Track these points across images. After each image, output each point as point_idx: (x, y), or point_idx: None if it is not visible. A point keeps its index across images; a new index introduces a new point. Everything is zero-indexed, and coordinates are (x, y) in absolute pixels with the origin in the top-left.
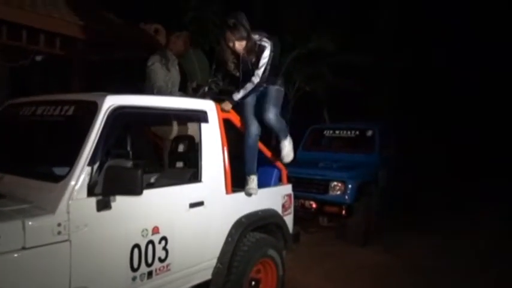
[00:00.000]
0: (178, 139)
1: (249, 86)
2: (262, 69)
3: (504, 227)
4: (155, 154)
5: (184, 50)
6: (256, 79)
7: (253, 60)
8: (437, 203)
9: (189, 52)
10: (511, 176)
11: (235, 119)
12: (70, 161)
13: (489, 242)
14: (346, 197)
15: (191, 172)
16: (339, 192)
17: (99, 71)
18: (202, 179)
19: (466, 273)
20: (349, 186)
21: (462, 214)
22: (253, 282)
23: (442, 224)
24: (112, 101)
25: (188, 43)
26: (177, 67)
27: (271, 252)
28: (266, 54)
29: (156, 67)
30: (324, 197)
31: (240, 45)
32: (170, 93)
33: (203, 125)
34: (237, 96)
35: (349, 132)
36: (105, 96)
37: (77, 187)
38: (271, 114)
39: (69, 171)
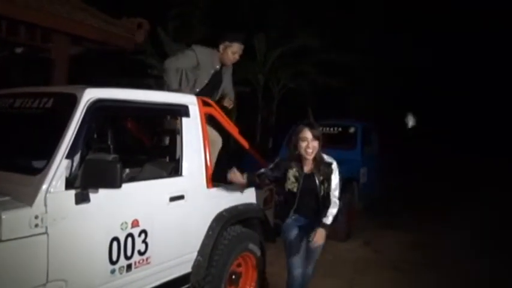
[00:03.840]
0: (160, 133)
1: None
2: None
3: (478, 226)
4: (137, 148)
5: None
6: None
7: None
8: (417, 201)
9: (173, 47)
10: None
11: (218, 114)
12: (48, 153)
13: (465, 239)
14: None
15: (172, 166)
16: None
17: (80, 65)
18: (183, 173)
19: (442, 268)
20: None
21: (441, 212)
22: (233, 276)
23: (421, 221)
24: (91, 94)
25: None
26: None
27: (252, 246)
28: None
29: (168, 69)
30: None
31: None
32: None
33: (184, 119)
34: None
35: (331, 129)
36: (84, 88)
37: (54, 180)
38: None
39: (47, 164)
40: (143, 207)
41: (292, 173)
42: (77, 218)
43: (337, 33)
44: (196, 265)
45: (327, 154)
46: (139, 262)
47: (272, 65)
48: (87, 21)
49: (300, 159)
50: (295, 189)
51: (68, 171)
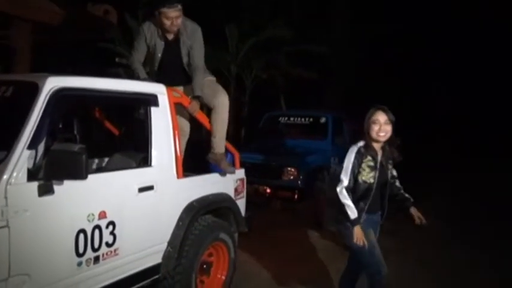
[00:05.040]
0: (129, 123)
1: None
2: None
3: (446, 215)
4: (105, 138)
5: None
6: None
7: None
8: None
9: None
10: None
11: (187, 103)
12: (8, 144)
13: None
14: (299, 182)
15: (141, 156)
16: (291, 178)
17: (45, 54)
18: (153, 163)
19: (417, 254)
20: (302, 171)
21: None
22: (204, 266)
23: (393, 207)
24: (54, 83)
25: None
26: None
27: (223, 235)
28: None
29: (132, 60)
30: (278, 182)
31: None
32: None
33: (153, 109)
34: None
35: (303, 119)
36: (46, 77)
37: (15, 171)
38: None
39: (7, 155)
40: (111, 199)
41: (366, 163)
42: (41, 210)
43: (309, 24)
44: (167, 256)
45: (299, 144)
46: (107, 254)
47: (244, 55)
48: (49, 7)
49: (372, 147)
50: (372, 180)
51: (31, 162)
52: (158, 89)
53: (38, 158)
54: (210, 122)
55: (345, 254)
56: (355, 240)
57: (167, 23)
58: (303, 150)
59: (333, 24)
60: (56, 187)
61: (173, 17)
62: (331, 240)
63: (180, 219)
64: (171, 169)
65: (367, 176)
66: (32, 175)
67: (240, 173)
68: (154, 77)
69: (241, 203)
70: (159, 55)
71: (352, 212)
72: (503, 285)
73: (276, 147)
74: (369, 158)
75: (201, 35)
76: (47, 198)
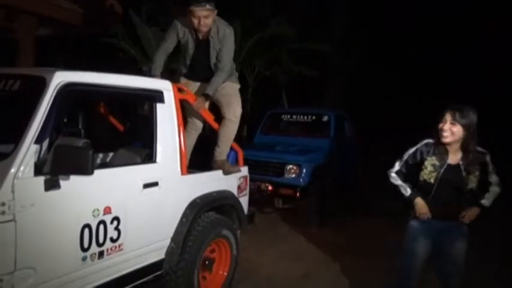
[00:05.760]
0: (134, 118)
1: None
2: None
3: None
4: (110, 133)
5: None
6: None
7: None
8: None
9: (146, 30)
10: None
11: (192, 101)
12: (15, 138)
13: None
14: (301, 180)
15: (146, 152)
16: (294, 175)
17: (49, 47)
18: (157, 159)
19: None
20: (304, 169)
21: None
22: (207, 262)
23: (394, 209)
24: (61, 77)
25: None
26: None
27: (226, 232)
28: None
29: (155, 54)
30: (280, 180)
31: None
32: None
33: (159, 105)
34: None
35: (305, 117)
36: (54, 72)
37: (22, 165)
38: None
39: (14, 149)
40: (116, 194)
41: (430, 161)
42: (47, 205)
43: (311, 23)
44: (170, 252)
45: (301, 142)
46: (111, 249)
47: (247, 53)
48: (54, 1)
49: (440, 147)
50: (432, 181)
51: (36, 156)
52: (164, 86)
53: (43, 152)
54: (218, 130)
55: (344, 251)
56: (417, 214)
57: (195, 21)
58: (305, 148)
59: (335, 22)
60: (62, 182)
61: (200, 16)
62: (332, 238)
63: (184, 215)
64: (175, 165)
65: (428, 175)
66: (38, 169)
67: (244, 170)
68: (185, 70)
69: (244, 201)
70: (191, 52)
71: (405, 190)
72: None
73: (278, 145)
74: (435, 157)
75: (232, 41)
76: (53, 193)
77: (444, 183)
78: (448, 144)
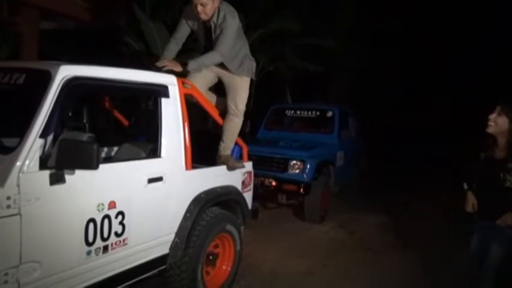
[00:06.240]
0: (139, 113)
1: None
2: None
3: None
4: (115, 127)
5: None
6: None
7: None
8: (391, 185)
9: (150, 25)
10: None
11: (198, 95)
12: (21, 132)
13: (438, 221)
14: (305, 175)
15: (151, 147)
16: (297, 171)
17: (53, 41)
18: (162, 154)
19: (415, 252)
20: (308, 165)
21: (414, 195)
22: (210, 257)
23: (396, 204)
24: (67, 71)
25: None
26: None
27: (230, 227)
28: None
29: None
30: (284, 175)
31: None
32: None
33: (163, 100)
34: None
35: (309, 113)
36: (59, 65)
37: (28, 159)
38: None
39: (20, 142)
40: (121, 189)
41: (481, 155)
42: (52, 199)
43: (315, 18)
44: (174, 247)
45: (305, 137)
46: (116, 243)
47: (251, 48)
48: None
49: (492, 140)
50: (477, 174)
51: (42, 150)
52: (169, 80)
53: (47, 146)
54: (223, 125)
55: (347, 248)
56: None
57: (195, 10)
58: (309, 143)
59: (339, 17)
60: (67, 176)
61: (197, 3)
62: (335, 235)
63: (188, 210)
64: (180, 160)
65: (476, 168)
66: (43, 164)
67: (248, 166)
68: None
69: (248, 196)
70: (201, 40)
71: (465, 185)
72: None
73: (282, 140)
74: (483, 155)
75: (230, 23)
76: (58, 187)
77: (484, 179)
78: (494, 136)
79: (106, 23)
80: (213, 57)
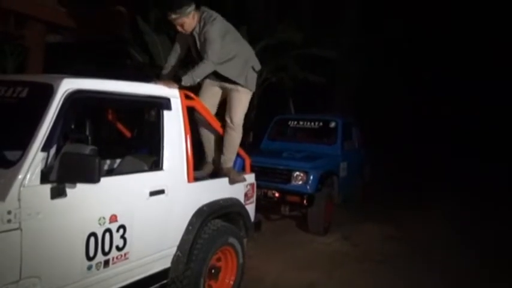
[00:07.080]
0: (141, 125)
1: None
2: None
3: (455, 220)
4: (117, 139)
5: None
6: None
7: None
8: (395, 196)
9: (154, 37)
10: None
11: (200, 107)
12: (22, 146)
13: (444, 233)
14: (308, 186)
15: (152, 160)
16: (301, 182)
17: (58, 54)
18: (164, 167)
19: (420, 262)
20: (311, 176)
21: (419, 206)
22: (213, 270)
23: (399, 215)
24: (69, 85)
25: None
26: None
27: (232, 240)
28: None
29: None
30: (287, 187)
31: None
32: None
33: (166, 112)
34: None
35: (312, 124)
36: (61, 79)
37: (29, 173)
38: None
39: (21, 156)
40: (122, 202)
41: None
42: (53, 213)
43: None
44: (176, 260)
45: (308, 148)
46: (117, 258)
47: None
48: (62, 8)
49: None
50: None
51: (43, 163)
52: (171, 93)
53: (49, 158)
54: (223, 138)
55: (352, 260)
56: None
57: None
58: (312, 154)
59: (343, 29)
60: (68, 190)
61: (175, 23)
62: (339, 247)
63: (190, 223)
64: (182, 173)
65: None
66: (44, 177)
67: (251, 177)
68: None
69: (250, 208)
70: (194, 53)
71: None
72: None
73: (285, 151)
74: None
75: (209, 29)
76: (59, 201)
77: None
78: None
79: (109, 36)
80: (203, 66)
